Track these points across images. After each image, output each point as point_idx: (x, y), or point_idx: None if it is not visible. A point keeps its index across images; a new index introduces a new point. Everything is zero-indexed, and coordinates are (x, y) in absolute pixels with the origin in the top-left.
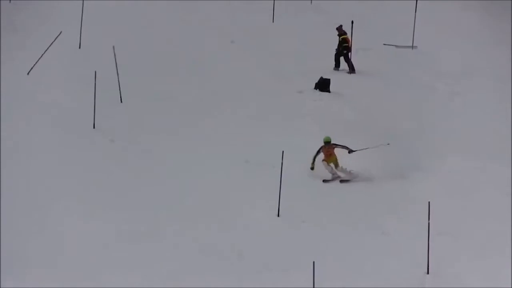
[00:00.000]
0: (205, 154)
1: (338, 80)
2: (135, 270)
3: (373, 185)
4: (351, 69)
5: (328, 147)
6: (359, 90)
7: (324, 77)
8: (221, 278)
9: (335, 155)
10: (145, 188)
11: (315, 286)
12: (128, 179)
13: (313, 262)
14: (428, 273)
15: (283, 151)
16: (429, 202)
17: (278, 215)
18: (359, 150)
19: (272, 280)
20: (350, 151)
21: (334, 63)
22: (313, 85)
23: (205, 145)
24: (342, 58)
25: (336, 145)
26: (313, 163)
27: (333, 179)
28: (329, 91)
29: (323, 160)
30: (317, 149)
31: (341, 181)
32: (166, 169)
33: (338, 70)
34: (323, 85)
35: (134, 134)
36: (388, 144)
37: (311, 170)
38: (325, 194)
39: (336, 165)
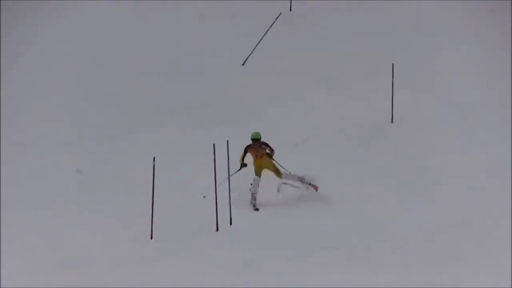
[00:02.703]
0: None
1: None
2: None
3: None
4: None
5: (257, 147)
6: None
7: None
8: None
9: (267, 158)
10: None
11: None
12: None
13: None
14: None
15: None
16: (392, 64)
17: None
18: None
19: None
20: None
21: None
22: None
23: None
24: None
25: (267, 145)
26: (241, 161)
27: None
28: None
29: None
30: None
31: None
32: None
33: None
34: None
35: None
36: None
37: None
38: None
39: (277, 173)
